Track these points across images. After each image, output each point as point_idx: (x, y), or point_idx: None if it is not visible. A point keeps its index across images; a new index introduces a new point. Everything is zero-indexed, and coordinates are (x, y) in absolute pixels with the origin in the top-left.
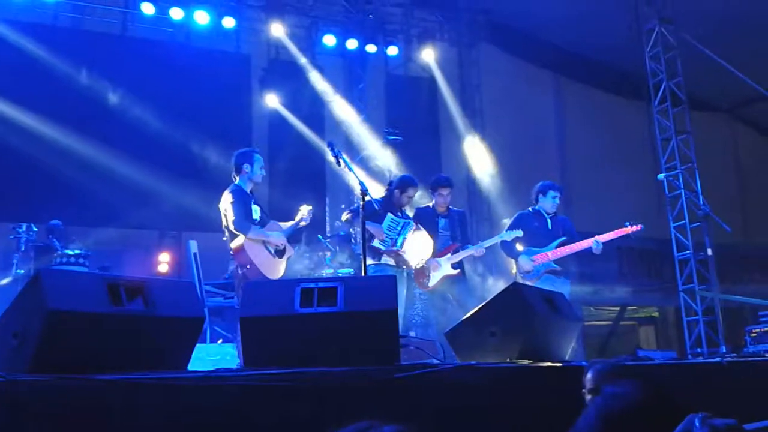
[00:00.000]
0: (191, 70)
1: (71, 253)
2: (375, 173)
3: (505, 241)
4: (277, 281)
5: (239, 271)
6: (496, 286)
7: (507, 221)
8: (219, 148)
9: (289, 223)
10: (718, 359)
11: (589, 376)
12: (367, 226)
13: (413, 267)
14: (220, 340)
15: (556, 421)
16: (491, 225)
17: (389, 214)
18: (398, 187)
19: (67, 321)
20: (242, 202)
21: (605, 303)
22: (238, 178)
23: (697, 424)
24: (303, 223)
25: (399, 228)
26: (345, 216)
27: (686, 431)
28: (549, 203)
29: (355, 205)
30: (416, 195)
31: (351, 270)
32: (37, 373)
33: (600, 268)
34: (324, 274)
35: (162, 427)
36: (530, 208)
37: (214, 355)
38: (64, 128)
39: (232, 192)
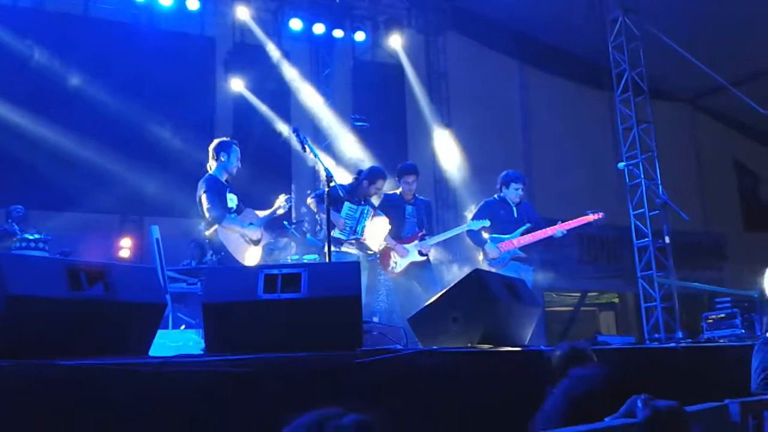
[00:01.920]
0: (154, 53)
1: (31, 237)
2: (341, 159)
3: (472, 229)
4: (239, 267)
5: (214, 258)
6: (461, 273)
7: (473, 209)
8: (182, 132)
9: (266, 212)
10: (673, 345)
11: (555, 358)
12: (331, 217)
13: (376, 251)
14: (183, 326)
15: (517, 403)
16: (456, 213)
17: (346, 203)
18: (367, 177)
19: (27, 306)
20: (216, 191)
21: (567, 289)
22: (213, 167)
23: (640, 405)
24: (280, 211)
25: (357, 215)
26: (309, 201)
27: (629, 412)
28: (512, 194)
29: (319, 190)
30: (384, 186)
31: (316, 256)
32: None
33: (562, 254)
34: (289, 260)
35: (123, 412)
36: (495, 196)
37: (177, 341)
38: (23, 111)
39: (206, 181)
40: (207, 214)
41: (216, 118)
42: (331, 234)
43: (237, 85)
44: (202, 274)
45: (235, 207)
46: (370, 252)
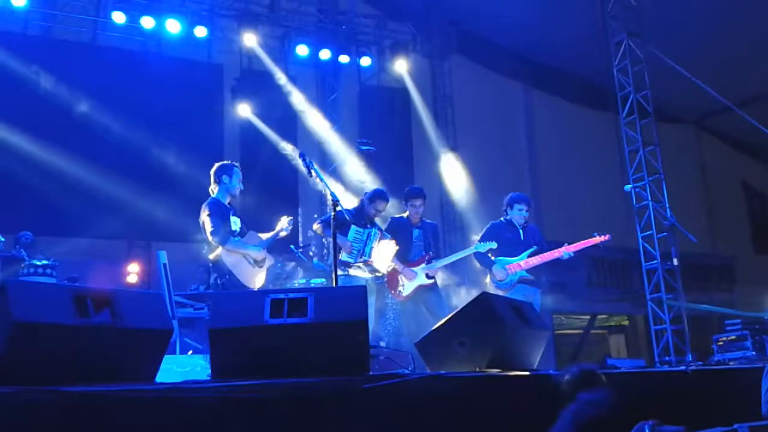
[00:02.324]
0: (162, 80)
1: (39, 263)
2: (348, 184)
3: (479, 251)
4: (246, 292)
5: (218, 282)
6: (468, 296)
7: (479, 232)
8: (190, 158)
9: (269, 235)
10: (683, 368)
11: (564, 382)
12: (338, 240)
13: (384, 272)
14: (191, 352)
15: (526, 428)
16: (463, 235)
17: (353, 226)
18: (369, 198)
19: (34, 333)
20: (219, 214)
21: (575, 311)
22: (216, 190)
23: (647, 431)
24: (283, 234)
25: (364, 238)
26: (316, 226)
27: None
28: (517, 215)
29: (326, 215)
30: (388, 207)
31: (323, 280)
32: (3, 384)
33: (570, 277)
34: (296, 284)
35: None
36: (502, 218)
37: (184, 367)
38: (33, 138)
39: (209, 205)
40: (210, 237)
41: (224, 143)
42: (339, 257)
43: (244, 110)
44: (209, 299)
45: (238, 230)
46: (378, 274)
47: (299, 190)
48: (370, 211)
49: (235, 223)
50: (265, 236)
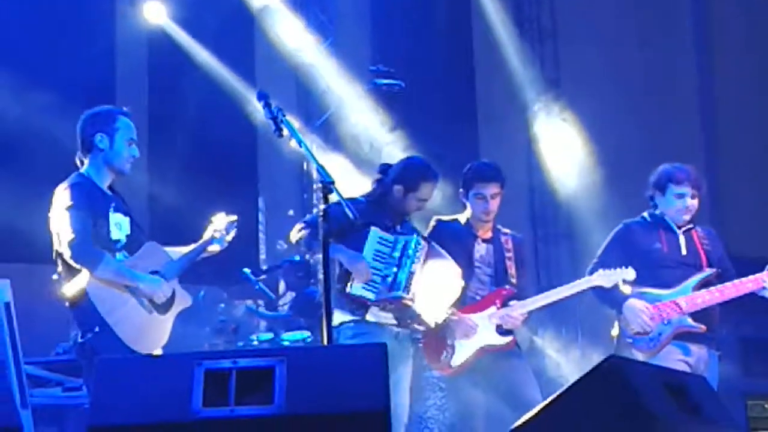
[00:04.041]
0: None
1: None
2: (351, 151)
3: (601, 286)
4: (157, 358)
5: (79, 339)
6: (582, 365)
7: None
8: (51, 105)
9: (187, 249)
10: None
11: None
12: (336, 255)
13: (433, 324)
14: None
15: None
16: (572, 250)
17: (374, 229)
18: (401, 180)
19: None
20: (87, 207)
21: None
22: (86, 162)
23: None
24: (214, 249)
25: (398, 252)
26: (296, 233)
27: None
28: (672, 207)
29: (313, 212)
30: (435, 195)
31: (307, 334)
32: None
33: None
34: (255, 342)
35: None
36: (645, 215)
37: None
38: None
39: (73, 188)
40: (67, 253)
41: (116, 76)
42: (351, 290)
43: (155, 12)
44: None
45: (123, 239)
46: (422, 327)
47: (259, 163)
48: (409, 203)
49: (120, 225)
50: (178, 251)
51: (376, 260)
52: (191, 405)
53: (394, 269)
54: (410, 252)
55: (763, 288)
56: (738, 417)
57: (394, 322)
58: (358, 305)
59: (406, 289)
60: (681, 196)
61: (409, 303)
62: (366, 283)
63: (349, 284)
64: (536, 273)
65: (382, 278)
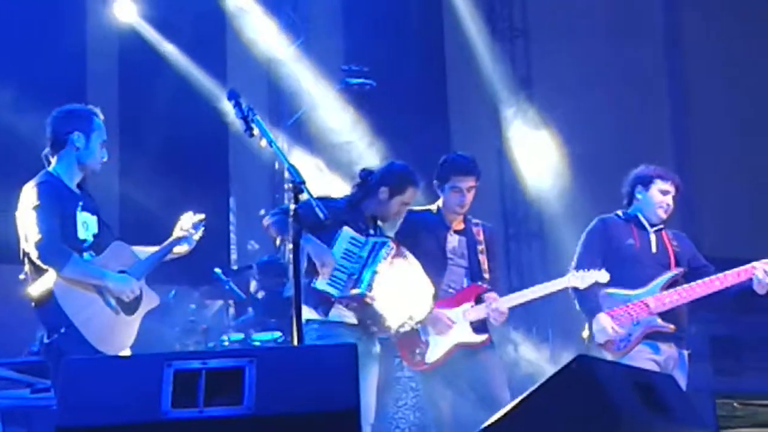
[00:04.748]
0: None
1: None
2: (323, 149)
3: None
4: (126, 358)
5: (47, 340)
6: (553, 364)
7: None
8: (22, 104)
9: (154, 249)
10: None
11: None
12: (306, 245)
13: (393, 330)
14: None
15: None
16: (543, 249)
17: (346, 229)
18: (387, 183)
19: None
20: (56, 206)
21: (762, 393)
22: (54, 161)
23: None
24: (182, 249)
25: (366, 252)
26: (268, 219)
27: None
28: (652, 204)
29: (282, 205)
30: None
31: (278, 334)
32: None
33: (750, 326)
34: (226, 343)
35: None
36: (618, 213)
37: None
38: None
39: (40, 187)
40: (34, 253)
41: (86, 73)
42: (313, 284)
43: (126, 11)
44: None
45: (91, 239)
46: (380, 328)
47: (230, 163)
48: (392, 207)
49: (87, 224)
50: (146, 251)
51: (345, 258)
52: (160, 406)
53: (360, 267)
54: (378, 252)
55: (744, 283)
56: (707, 416)
57: (356, 322)
58: (322, 301)
59: (369, 287)
60: (665, 192)
61: (370, 301)
62: (331, 280)
63: (317, 280)
64: (507, 271)
65: (348, 276)
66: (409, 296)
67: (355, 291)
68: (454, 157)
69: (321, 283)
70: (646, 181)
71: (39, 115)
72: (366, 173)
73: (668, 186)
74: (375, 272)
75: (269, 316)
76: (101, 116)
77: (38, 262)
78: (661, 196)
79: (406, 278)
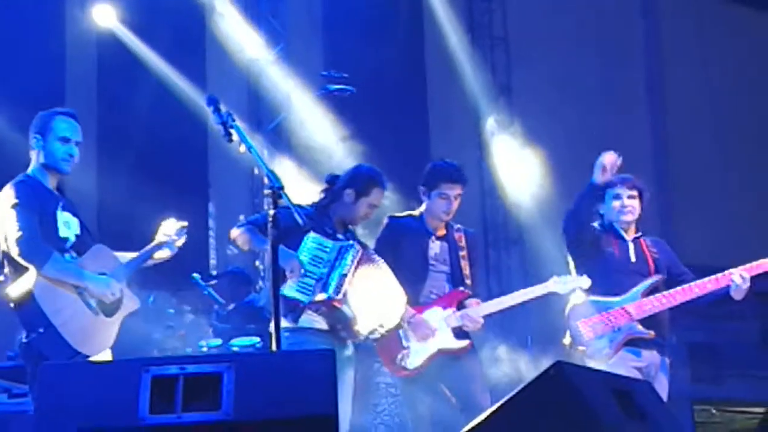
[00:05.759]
0: None
1: None
2: (303, 156)
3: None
4: (104, 364)
5: (25, 341)
6: (532, 370)
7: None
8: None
9: (135, 254)
10: None
11: None
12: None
13: (363, 336)
14: None
15: None
16: (522, 255)
17: (311, 234)
18: (353, 184)
19: None
20: (34, 206)
21: (740, 400)
22: (31, 164)
23: None
24: (163, 254)
25: (332, 256)
26: (236, 233)
27: None
28: (612, 209)
29: (258, 213)
30: (384, 202)
31: (257, 339)
32: None
33: (728, 333)
34: (204, 349)
35: None
36: (595, 225)
37: None
38: None
39: (16, 186)
40: (14, 251)
41: (65, 77)
42: (282, 290)
43: (105, 15)
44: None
45: (72, 239)
46: (353, 333)
47: (209, 168)
48: (360, 209)
49: (69, 224)
50: (126, 256)
51: (312, 264)
52: (138, 411)
53: (327, 271)
54: (344, 256)
55: (721, 289)
56: (685, 422)
57: (326, 327)
58: (291, 308)
59: (337, 290)
60: (617, 197)
61: (338, 305)
62: (299, 286)
63: (285, 286)
64: (486, 277)
65: (316, 281)
66: (380, 302)
67: (321, 295)
68: (442, 165)
69: (289, 290)
70: (599, 194)
71: (17, 120)
72: (332, 177)
73: (617, 190)
74: (343, 275)
75: (245, 324)
76: (69, 114)
77: (19, 260)
78: (615, 201)
79: (376, 284)
